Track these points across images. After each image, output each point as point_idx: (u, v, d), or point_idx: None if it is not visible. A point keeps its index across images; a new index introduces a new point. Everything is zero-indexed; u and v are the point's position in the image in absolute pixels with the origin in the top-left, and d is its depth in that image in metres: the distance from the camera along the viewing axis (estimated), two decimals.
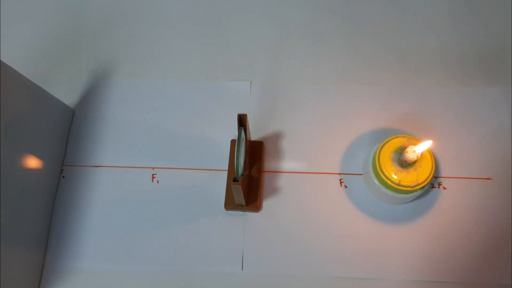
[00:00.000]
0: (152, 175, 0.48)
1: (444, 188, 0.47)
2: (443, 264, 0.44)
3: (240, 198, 0.42)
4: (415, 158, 0.41)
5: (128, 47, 0.53)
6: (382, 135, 0.48)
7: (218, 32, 0.54)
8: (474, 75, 0.51)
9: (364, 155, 0.48)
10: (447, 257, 0.44)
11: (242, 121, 0.40)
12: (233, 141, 0.48)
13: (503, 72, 0.51)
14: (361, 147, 0.48)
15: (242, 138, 0.39)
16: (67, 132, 0.49)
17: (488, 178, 0.47)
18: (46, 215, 0.46)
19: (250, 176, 0.46)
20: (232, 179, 0.38)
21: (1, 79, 0.38)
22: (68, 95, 0.50)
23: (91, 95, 0.51)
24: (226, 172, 0.48)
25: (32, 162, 0.43)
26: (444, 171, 0.47)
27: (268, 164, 0.48)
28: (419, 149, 0.40)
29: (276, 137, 0.49)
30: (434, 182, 0.47)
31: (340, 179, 0.48)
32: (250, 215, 0.46)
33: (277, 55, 0.53)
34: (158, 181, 0.47)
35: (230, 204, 0.46)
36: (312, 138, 0.49)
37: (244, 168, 0.45)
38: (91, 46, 0.53)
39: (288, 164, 0.48)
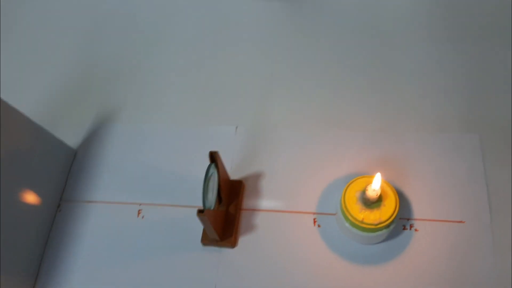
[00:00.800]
0: (138, 210, 0.51)
1: (416, 230, 0.48)
2: None
3: (209, 230, 0.44)
4: (376, 196, 0.42)
5: (127, 94, 0.59)
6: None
7: (207, 80, 0.59)
8: (448, 122, 0.53)
9: (338, 197, 0.49)
10: None
11: (213, 157, 0.44)
12: None
13: (476, 118, 0.53)
14: (337, 189, 0.50)
15: (211, 173, 0.43)
16: (68, 170, 0.54)
17: (461, 221, 0.47)
18: (40, 245, 0.50)
19: (227, 213, 0.49)
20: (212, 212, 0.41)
21: (2, 117, 0.43)
22: (72, 137, 0.56)
23: (93, 138, 0.56)
24: None
25: (30, 197, 0.48)
26: (416, 213, 0.48)
27: (247, 202, 0.51)
28: (374, 185, 0.42)
29: (257, 177, 0.52)
30: (406, 224, 0.48)
31: (314, 218, 0.49)
32: (225, 251, 0.48)
33: (262, 101, 0.57)
34: (143, 217, 0.51)
35: (206, 239, 0.48)
36: (291, 179, 0.52)
37: (221, 205, 0.48)
38: (94, 95, 0.60)
39: (266, 203, 0.51)
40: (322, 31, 0.61)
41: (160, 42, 0.63)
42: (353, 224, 0.44)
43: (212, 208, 0.43)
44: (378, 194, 0.42)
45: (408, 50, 0.59)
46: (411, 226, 0.48)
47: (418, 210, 0.48)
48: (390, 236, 0.47)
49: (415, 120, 0.54)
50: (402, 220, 0.48)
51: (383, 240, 0.47)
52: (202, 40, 0.62)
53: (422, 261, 0.46)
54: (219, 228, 0.47)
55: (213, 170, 0.43)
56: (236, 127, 0.55)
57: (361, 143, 0.53)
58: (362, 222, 0.43)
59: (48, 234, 0.51)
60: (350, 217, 0.44)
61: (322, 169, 0.52)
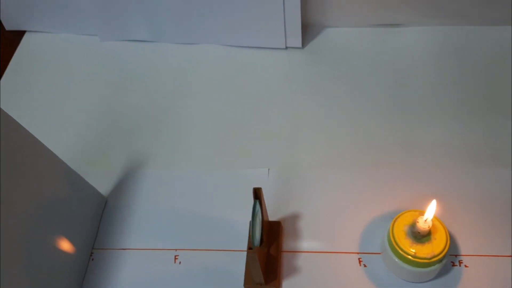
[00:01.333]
0: (175, 256, 0.50)
1: (466, 266, 0.46)
2: None
3: (256, 270, 0.42)
4: (427, 228, 0.41)
5: (155, 142, 0.59)
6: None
7: (234, 126, 0.59)
8: (481, 158, 0.53)
9: (382, 234, 0.48)
10: None
11: (257, 194, 0.43)
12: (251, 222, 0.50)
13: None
14: (378, 227, 0.49)
15: (257, 210, 0.42)
16: (99, 218, 0.53)
17: (508, 256, 0.46)
18: None
19: (268, 254, 0.48)
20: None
21: (44, 163, 0.43)
22: (102, 185, 0.55)
23: (123, 185, 0.55)
24: (245, 252, 0.49)
25: (64, 244, 0.46)
26: (464, 249, 0.47)
27: (286, 244, 0.49)
28: (428, 214, 0.41)
29: (294, 218, 0.51)
30: (454, 260, 0.47)
31: (359, 258, 0.48)
32: None
33: (291, 143, 0.57)
34: (180, 262, 0.49)
35: (249, 282, 0.46)
36: (329, 219, 0.51)
37: (262, 246, 0.47)
38: (122, 143, 0.59)
39: (306, 244, 0.49)
40: (343, 76, 0.63)
41: (186, 91, 0.64)
42: (405, 260, 0.43)
43: (259, 246, 0.42)
44: (430, 225, 0.41)
45: (428, 90, 0.60)
46: (460, 262, 0.46)
47: (465, 245, 0.47)
48: (440, 274, 0.46)
49: (449, 157, 0.54)
50: (451, 256, 0.47)
51: (434, 278, 0.46)
52: (226, 88, 0.64)
53: None
54: (263, 271, 0.45)
55: (258, 207, 0.42)
56: (268, 169, 0.55)
57: (396, 179, 0.53)
58: (414, 256, 0.42)
59: (82, 283, 0.49)
60: (401, 252, 0.42)
61: (360, 208, 0.51)
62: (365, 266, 0.47)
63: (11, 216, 0.39)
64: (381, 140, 0.56)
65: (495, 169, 0.52)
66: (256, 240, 0.41)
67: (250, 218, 0.50)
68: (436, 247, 0.42)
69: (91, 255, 0.51)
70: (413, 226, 0.43)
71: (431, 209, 0.41)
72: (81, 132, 0.61)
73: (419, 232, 0.42)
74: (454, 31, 0.65)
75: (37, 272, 0.41)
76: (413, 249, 0.42)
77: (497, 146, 0.54)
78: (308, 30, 0.67)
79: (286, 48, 0.66)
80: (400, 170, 0.53)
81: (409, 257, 0.42)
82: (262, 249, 0.46)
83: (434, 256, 0.42)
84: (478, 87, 0.60)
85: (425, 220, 0.42)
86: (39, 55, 0.71)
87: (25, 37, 0.74)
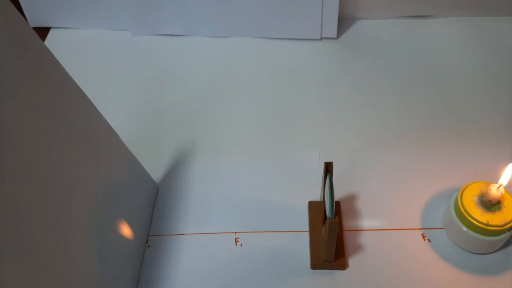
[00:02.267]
0: (235, 239, 0.49)
1: None
2: None
3: (332, 243, 0.42)
4: (500, 195, 0.42)
5: (202, 131, 0.58)
6: (456, 191, 0.49)
7: (283, 111, 0.60)
8: None
9: (442, 210, 0.49)
10: None
11: (328, 168, 0.43)
12: (310, 203, 0.50)
13: None
14: (437, 203, 0.50)
15: (331, 183, 0.42)
16: (153, 204, 0.52)
17: None
18: (133, 282, 0.46)
19: None
20: (317, 235, 0.39)
21: (111, 146, 0.42)
22: (153, 173, 0.54)
23: (173, 173, 0.54)
24: (307, 233, 0.48)
25: (125, 230, 0.45)
26: None
27: (347, 223, 0.49)
28: (503, 180, 0.42)
29: (351, 198, 0.51)
30: None
31: (422, 234, 0.48)
32: (337, 274, 0.46)
33: (337, 129, 0.57)
34: (241, 244, 0.48)
35: (316, 262, 0.46)
36: (386, 198, 0.51)
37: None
38: (168, 134, 0.59)
39: (367, 223, 0.49)
40: (376, 65, 0.64)
41: (223, 83, 0.64)
42: (476, 229, 0.43)
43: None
44: (503, 192, 0.42)
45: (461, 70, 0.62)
46: None
47: None
48: (504, 244, 0.46)
49: (493, 133, 0.55)
50: None
51: (499, 249, 0.46)
52: (264, 80, 0.64)
53: None
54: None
55: (332, 181, 0.42)
56: (319, 153, 0.55)
57: (446, 158, 0.53)
58: (487, 224, 0.42)
59: (140, 269, 0.47)
60: (472, 221, 0.43)
61: (416, 186, 0.52)
62: (429, 241, 0.47)
63: (83, 197, 0.37)
64: (421, 123, 0.57)
65: None
66: (332, 214, 0.41)
67: (306, 201, 0.51)
68: (507, 214, 0.42)
69: (147, 242, 0.49)
70: (482, 195, 0.43)
71: (507, 174, 0.42)
72: (124, 126, 0.59)
73: (489, 201, 0.43)
74: (481, 22, 0.67)
75: (103, 257, 0.40)
76: (485, 217, 0.42)
77: None
78: (341, 22, 0.68)
79: (321, 39, 0.67)
80: (449, 149, 0.54)
81: (482, 225, 0.42)
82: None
83: (507, 223, 0.42)
84: (507, 73, 0.61)
85: (498, 188, 0.42)
86: (66, 52, 0.70)
87: (51, 34, 0.72)
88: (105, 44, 0.70)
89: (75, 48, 0.70)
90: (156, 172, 0.54)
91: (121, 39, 0.70)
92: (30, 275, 0.30)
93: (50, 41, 0.72)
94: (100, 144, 0.41)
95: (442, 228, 0.48)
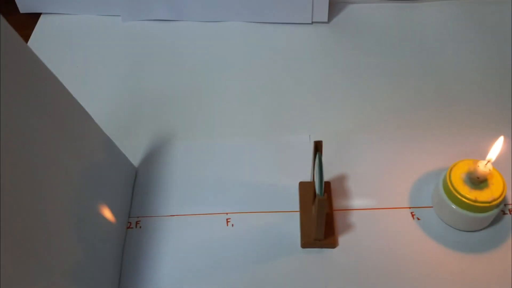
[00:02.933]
0: (227, 219, 0.49)
1: None
2: None
3: (321, 220, 0.42)
4: (488, 172, 0.42)
5: (187, 115, 0.58)
6: (445, 170, 0.50)
7: (274, 94, 0.60)
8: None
9: (431, 189, 0.49)
10: None
11: (318, 147, 0.43)
12: (301, 183, 0.50)
13: None
14: (425, 183, 0.50)
15: (321, 161, 0.42)
16: (132, 187, 0.52)
17: None
18: (116, 264, 0.46)
19: None
20: (307, 214, 0.39)
21: (85, 128, 0.42)
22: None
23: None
24: (298, 213, 0.49)
25: (103, 212, 0.45)
26: (510, 199, 0.48)
27: (337, 203, 0.50)
28: (492, 155, 0.42)
29: (341, 179, 0.51)
30: (504, 209, 0.48)
31: (411, 212, 0.48)
32: (328, 252, 0.46)
33: (327, 111, 0.58)
34: (233, 225, 0.48)
35: (306, 240, 0.46)
36: (376, 178, 0.51)
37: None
38: (159, 115, 0.59)
39: (357, 202, 0.49)
40: (368, 48, 0.64)
41: (213, 68, 0.64)
42: (464, 206, 0.43)
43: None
44: (491, 168, 0.42)
45: (453, 55, 0.62)
46: (510, 210, 0.48)
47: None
48: (492, 222, 0.47)
49: (481, 115, 0.55)
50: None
51: (487, 226, 0.46)
52: (254, 64, 0.64)
53: None
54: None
55: (321, 160, 0.43)
56: (309, 136, 0.55)
57: (436, 140, 0.54)
58: (475, 201, 0.43)
59: (122, 251, 0.47)
60: (460, 198, 0.43)
61: (404, 167, 0.52)
62: (418, 219, 0.48)
63: (61, 180, 0.37)
64: (411, 105, 0.57)
65: None
66: (322, 191, 0.41)
67: (297, 181, 0.51)
68: (495, 191, 0.43)
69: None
70: (470, 173, 0.44)
71: (497, 148, 0.42)
72: (110, 110, 0.60)
73: (477, 178, 0.43)
74: (471, 5, 0.68)
75: (83, 240, 0.40)
76: (473, 194, 0.43)
77: None
78: (332, 6, 0.68)
79: (312, 23, 0.67)
80: (438, 130, 0.55)
81: (470, 202, 0.43)
82: None
83: (495, 199, 0.43)
84: (496, 55, 0.62)
85: (486, 164, 0.42)
86: (56, 38, 0.70)
87: (41, 20, 0.72)
88: (96, 30, 0.70)
89: (66, 33, 0.70)
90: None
91: (112, 24, 0.70)
92: (8, 258, 0.30)
93: (41, 27, 0.71)
94: (74, 126, 0.40)
95: (431, 207, 0.48)
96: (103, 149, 0.46)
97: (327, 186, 0.50)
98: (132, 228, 0.49)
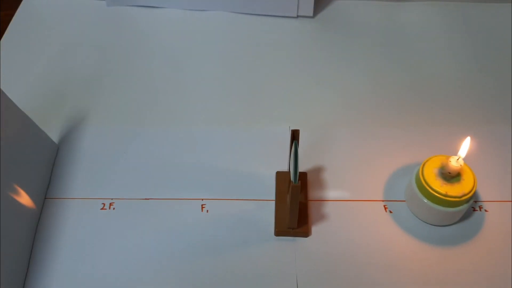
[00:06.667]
0: (202, 205, 0.49)
1: (486, 210, 0.48)
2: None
3: (295, 208, 0.43)
4: (459, 167, 0.43)
5: (165, 104, 0.58)
6: (417, 166, 0.51)
7: (255, 85, 0.60)
8: (494, 115, 0.56)
9: (404, 183, 0.50)
10: (499, 277, 0.44)
11: (295, 135, 0.43)
12: (278, 173, 0.51)
13: None
14: (399, 178, 0.51)
15: (297, 149, 0.42)
16: (52, 165, 0.52)
17: None
18: (29, 242, 0.46)
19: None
20: (282, 203, 0.40)
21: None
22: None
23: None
24: (273, 202, 0.49)
25: (17, 190, 0.44)
26: (483, 196, 0.49)
27: (313, 194, 0.50)
28: (461, 152, 0.43)
29: (318, 170, 0.52)
30: (474, 205, 0.49)
31: (384, 205, 0.49)
32: (300, 241, 0.47)
33: (306, 105, 0.58)
34: (207, 211, 0.49)
35: (280, 228, 0.46)
36: (352, 171, 0.52)
37: None
38: (137, 100, 0.58)
39: (332, 193, 0.50)
40: (352, 44, 0.65)
41: (195, 57, 0.64)
42: (435, 200, 0.44)
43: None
44: (462, 164, 0.43)
45: (433, 54, 0.63)
46: (480, 207, 0.49)
47: (484, 192, 0.50)
48: (462, 218, 0.48)
49: (462, 112, 0.57)
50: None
51: (457, 221, 0.47)
52: (237, 55, 0.64)
53: (498, 241, 0.46)
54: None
55: (297, 147, 0.43)
56: (289, 127, 0.56)
57: (412, 136, 0.55)
58: (445, 195, 0.43)
59: (34, 235, 0.47)
60: (432, 192, 0.44)
61: (380, 161, 0.53)
62: (390, 212, 0.49)
63: None
64: (390, 102, 0.58)
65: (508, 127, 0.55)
66: (296, 178, 0.42)
67: (274, 171, 0.51)
68: (465, 186, 0.44)
69: (43, 204, 0.49)
70: (443, 167, 0.45)
71: (465, 147, 0.43)
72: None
73: (449, 173, 0.44)
74: (456, 6, 0.69)
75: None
76: (444, 188, 0.44)
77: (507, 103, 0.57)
78: (317, 1, 0.69)
79: (297, 17, 0.68)
80: (414, 127, 0.55)
81: (441, 196, 0.44)
82: None
83: (465, 195, 0.43)
84: (473, 57, 0.63)
85: (457, 160, 0.43)
86: (39, 19, 0.69)
87: (25, 1, 0.71)
88: (79, 13, 0.69)
89: (48, 15, 0.69)
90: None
91: (95, 8, 0.69)
92: None
93: (25, 8, 0.70)
94: None
95: (404, 201, 0.49)
96: (16, 125, 0.45)
97: (303, 177, 0.50)
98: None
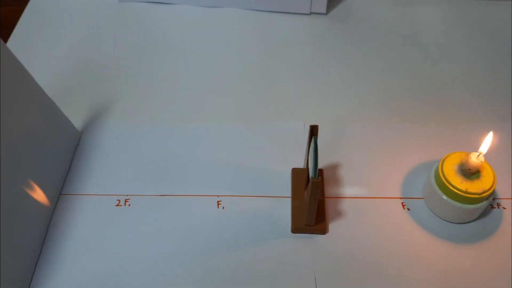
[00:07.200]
0: (218, 202, 0.49)
1: (504, 208, 0.48)
2: None
3: (314, 205, 0.42)
4: (480, 163, 0.43)
5: (182, 99, 0.58)
6: (436, 163, 0.50)
7: (270, 82, 0.60)
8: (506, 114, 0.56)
9: (423, 180, 0.50)
10: None
11: (313, 131, 0.43)
12: (294, 169, 0.50)
13: None
14: (417, 175, 0.50)
15: (316, 145, 0.42)
16: (72, 154, 0.52)
17: None
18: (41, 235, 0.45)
19: None
20: (299, 200, 0.39)
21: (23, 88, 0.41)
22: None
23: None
24: (290, 198, 0.49)
25: (33, 183, 0.44)
26: (500, 193, 0.49)
27: (329, 191, 0.50)
28: (483, 148, 0.42)
29: (334, 167, 0.51)
30: (492, 203, 0.48)
31: (402, 203, 0.49)
32: (318, 238, 0.46)
33: (321, 101, 0.58)
34: (223, 207, 0.48)
35: (297, 225, 0.46)
36: (369, 168, 0.51)
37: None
38: (153, 98, 0.58)
39: (349, 190, 0.50)
40: (365, 41, 0.65)
41: (208, 53, 0.63)
42: (455, 197, 0.44)
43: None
44: (483, 160, 0.43)
45: (449, 54, 0.63)
46: (498, 205, 0.48)
47: (501, 189, 0.49)
48: (480, 216, 0.47)
49: (474, 112, 0.56)
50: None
51: (476, 219, 0.47)
52: (251, 52, 0.64)
53: None
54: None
55: (316, 143, 0.42)
56: (304, 123, 0.55)
57: (430, 132, 0.54)
58: (466, 192, 0.43)
59: (48, 225, 0.47)
60: (452, 189, 0.43)
61: (398, 158, 0.52)
62: (408, 209, 0.48)
63: None
64: (406, 98, 0.58)
65: None
66: (316, 174, 0.41)
67: (290, 168, 0.51)
68: (485, 183, 0.43)
69: (58, 199, 0.49)
70: (462, 164, 0.44)
71: (487, 143, 0.43)
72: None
73: (469, 169, 0.44)
74: (470, 4, 0.69)
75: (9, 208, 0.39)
76: (464, 185, 0.43)
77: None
78: None
79: (310, 13, 0.67)
80: (432, 123, 0.55)
81: (461, 193, 0.43)
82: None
83: (485, 191, 0.43)
84: (490, 53, 0.63)
85: (478, 156, 0.43)
86: (50, 16, 0.69)
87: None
88: (91, 9, 0.69)
89: (59, 12, 0.69)
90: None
91: (107, 4, 0.69)
92: None
93: (34, 6, 0.70)
94: (14, 86, 0.40)
95: (422, 198, 0.49)
96: (44, 111, 0.45)
97: (320, 174, 0.50)
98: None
